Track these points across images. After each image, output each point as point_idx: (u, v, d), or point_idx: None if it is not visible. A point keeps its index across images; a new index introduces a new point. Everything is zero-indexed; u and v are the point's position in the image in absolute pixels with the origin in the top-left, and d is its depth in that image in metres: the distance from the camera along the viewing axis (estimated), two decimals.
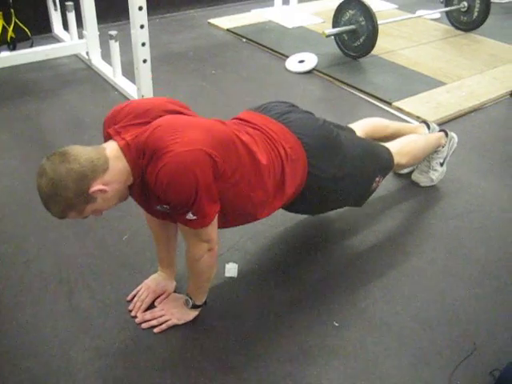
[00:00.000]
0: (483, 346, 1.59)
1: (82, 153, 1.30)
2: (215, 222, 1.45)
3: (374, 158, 1.91)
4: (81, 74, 3.38)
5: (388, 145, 2.02)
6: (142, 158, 1.32)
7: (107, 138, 1.42)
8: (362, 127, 2.12)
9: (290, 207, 1.80)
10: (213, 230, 1.46)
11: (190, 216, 1.36)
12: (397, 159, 1.99)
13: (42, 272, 1.81)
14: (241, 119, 1.68)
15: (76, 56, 3.55)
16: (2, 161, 2.40)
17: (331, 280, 1.83)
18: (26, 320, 1.64)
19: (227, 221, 1.54)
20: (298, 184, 1.66)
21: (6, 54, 3.08)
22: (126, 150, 1.34)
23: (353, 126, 2.12)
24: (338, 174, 1.74)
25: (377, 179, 1.92)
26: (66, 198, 1.29)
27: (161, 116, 1.39)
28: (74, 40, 3.49)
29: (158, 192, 1.32)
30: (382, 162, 1.96)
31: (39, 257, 1.88)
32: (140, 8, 2.57)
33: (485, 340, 1.61)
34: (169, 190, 1.30)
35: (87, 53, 3.37)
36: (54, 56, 3.31)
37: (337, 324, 1.66)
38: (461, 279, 1.84)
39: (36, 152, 2.44)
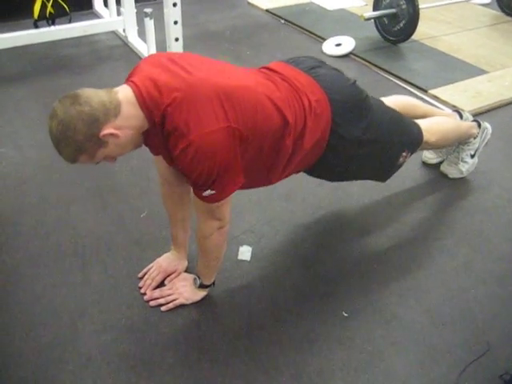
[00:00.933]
0: (496, 347, 1.52)
1: (93, 96, 1.28)
2: (230, 199, 1.43)
3: (402, 129, 1.82)
4: (117, 50, 3.41)
5: (417, 121, 1.92)
6: (158, 116, 1.29)
7: None
8: (393, 102, 1.99)
9: (311, 170, 1.74)
10: (227, 207, 1.45)
11: (207, 192, 1.35)
12: (426, 136, 1.89)
13: (59, 245, 1.85)
14: (269, 68, 1.61)
15: (114, 33, 3.58)
16: (31, 133, 2.46)
17: (345, 269, 1.79)
18: (40, 290, 1.68)
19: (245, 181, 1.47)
20: (316, 139, 1.57)
21: (44, 29, 3.12)
22: (139, 96, 1.30)
23: (383, 99, 2.03)
24: (362, 137, 1.64)
25: (404, 154, 1.82)
26: (77, 140, 1.26)
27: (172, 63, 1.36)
28: (113, 17, 3.51)
29: (179, 165, 1.32)
30: (411, 136, 1.86)
31: (58, 229, 1.92)
32: None
33: (499, 342, 1.54)
34: (191, 168, 1.30)
35: (124, 30, 3.40)
36: (92, 32, 3.34)
37: (346, 314, 1.62)
38: (481, 276, 1.76)
39: None
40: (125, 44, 3.46)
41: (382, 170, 1.86)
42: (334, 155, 1.65)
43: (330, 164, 1.69)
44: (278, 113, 1.44)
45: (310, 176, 1.82)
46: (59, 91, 2.79)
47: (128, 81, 1.36)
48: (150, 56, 1.47)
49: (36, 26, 3.12)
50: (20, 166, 2.26)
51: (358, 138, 1.64)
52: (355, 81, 1.70)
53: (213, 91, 1.30)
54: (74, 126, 1.24)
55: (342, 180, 1.96)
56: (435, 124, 1.98)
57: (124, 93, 1.32)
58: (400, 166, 1.86)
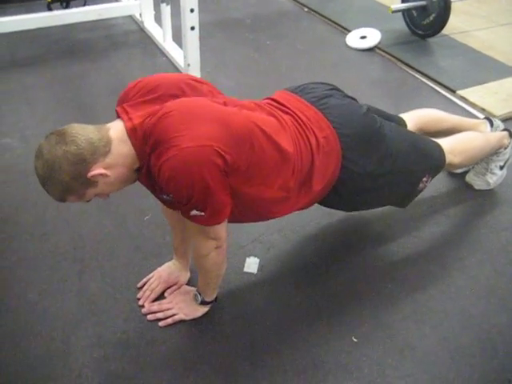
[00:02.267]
0: None
1: (81, 133, 1.21)
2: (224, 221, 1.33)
3: (422, 155, 1.71)
4: (133, 36, 3.30)
5: (440, 141, 1.81)
6: (146, 144, 1.22)
7: (117, 116, 1.32)
8: (415, 118, 1.92)
9: (323, 201, 1.65)
10: (221, 227, 1.35)
11: (194, 212, 1.26)
12: (449, 158, 1.78)
13: (57, 247, 1.77)
14: (273, 100, 1.53)
15: (131, 17, 3.47)
16: (38, 123, 2.36)
17: (358, 288, 1.68)
18: (34, 297, 1.60)
19: (239, 217, 1.41)
20: (327, 180, 1.50)
21: (58, 12, 3.02)
22: (131, 133, 1.24)
23: (404, 116, 1.92)
24: (377, 171, 1.56)
25: (424, 179, 1.72)
26: (63, 181, 1.21)
27: (172, 93, 1.28)
28: (129, 0, 3.39)
29: (160, 184, 1.24)
30: (432, 161, 1.75)
31: (57, 230, 1.83)
32: None
33: None
34: (169, 185, 1.21)
35: (140, 14, 3.27)
36: (107, 16, 3.23)
37: (355, 340, 1.51)
38: (505, 303, 1.63)
39: (72, 116, 2.38)
40: (141, 29, 3.35)
41: (401, 197, 1.77)
42: (345, 188, 1.56)
43: (341, 196, 1.60)
44: (279, 154, 1.35)
45: (321, 205, 1.71)
46: (70, 79, 2.75)
47: (121, 113, 1.29)
48: (144, 83, 1.35)
49: (49, 9, 3.03)
50: (24, 158, 2.18)
51: (372, 171, 1.55)
52: (368, 109, 1.61)
53: (214, 115, 1.25)
54: (59, 167, 1.19)
55: (357, 210, 1.86)
56: (460, 143, 1.85)
57: (116, 129, 1.26)
58: (421, 191, 1.77)
